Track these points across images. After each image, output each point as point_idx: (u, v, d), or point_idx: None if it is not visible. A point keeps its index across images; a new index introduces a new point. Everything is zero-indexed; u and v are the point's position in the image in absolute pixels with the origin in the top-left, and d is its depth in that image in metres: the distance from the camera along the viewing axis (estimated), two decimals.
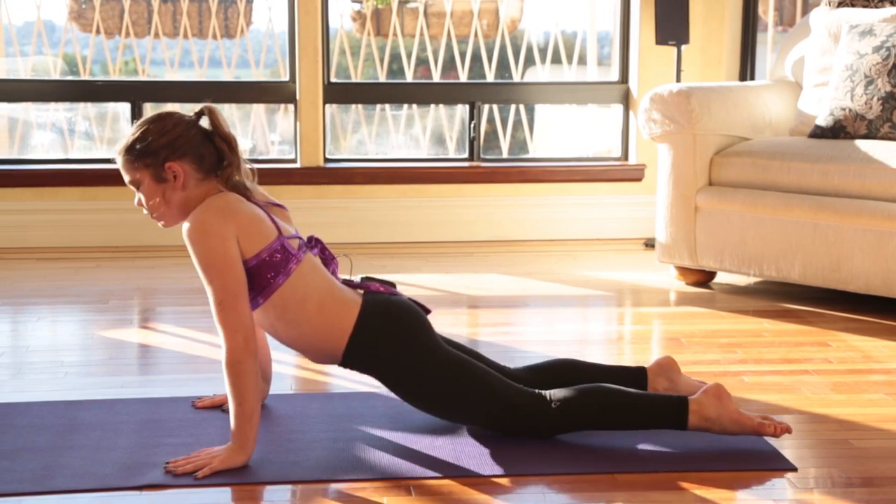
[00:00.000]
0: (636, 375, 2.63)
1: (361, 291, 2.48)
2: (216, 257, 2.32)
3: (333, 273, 2.51)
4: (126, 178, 2.43)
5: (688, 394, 2.59)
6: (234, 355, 2.28)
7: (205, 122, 2.44)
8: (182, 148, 2.38)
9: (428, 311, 2.54)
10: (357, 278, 2.53)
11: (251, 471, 2.28)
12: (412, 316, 2.45)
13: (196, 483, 2.21)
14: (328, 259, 2.53)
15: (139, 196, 2.43)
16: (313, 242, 2.51)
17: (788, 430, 2.43)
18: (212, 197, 2.38)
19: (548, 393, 2.44)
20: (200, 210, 2.35)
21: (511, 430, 2.44)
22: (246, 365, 2.28)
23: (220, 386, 2.77)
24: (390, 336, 2.41)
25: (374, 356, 2.42)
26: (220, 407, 2.63)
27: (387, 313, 2.42)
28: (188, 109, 2.50)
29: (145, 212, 2.46)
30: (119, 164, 2.42)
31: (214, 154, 2.41)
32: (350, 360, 2.44)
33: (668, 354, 2.71)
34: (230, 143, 2.42)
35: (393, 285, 2.54)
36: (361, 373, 2.48)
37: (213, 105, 2.45)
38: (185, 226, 2.37)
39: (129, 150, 2.39)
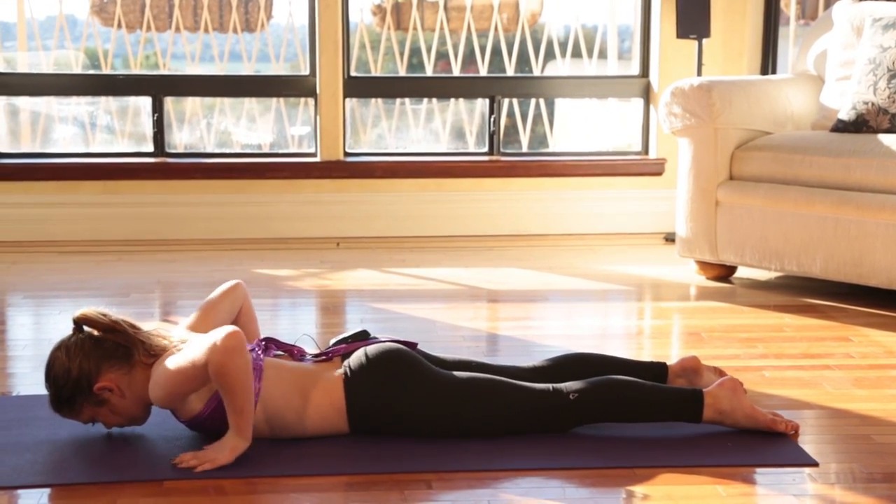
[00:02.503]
0: (656, 371, 2.62)
1: (340, 359, 2.44)
2: (174, 376, 2.29)
3: (301, 357, 2.47)
4: (80, 422, 2.41)
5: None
6: (214, 368, 2.23)
7: (87, 329, 2.39)
8: (92, 368, 2.34)
9: (413, 345, 2.51)
10: (331, 343, 2.49)
11: (269, 463, 2.28)
12: (395, 359, 2.40)
13: (215, 475, 2.22)
14: (289, 350, 2.48)
15: (100, 423, 2.42)
16: (264, 345, 2.46)
17: (796, 429, 2.45)
18: (153, 369, 2.34)
19: (563, 386, 2.44)
20: (151, 380, 2.32)
21: (530, 429, 2.44)
22: (227, 368, 2.22)
23: None
24: (382, 389, 2.38)
25: (378, 415, 2.40)
26: None
27: (369, 370, 2.38)
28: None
29: (115, 429, 2.44)
30: (66, 418, 2.41)
31: (118, 346, 2.36)
32: (357, 427, 2.41)
33: (694, 355, 2.69)
34: (118, 330, 2.37)
35: (365, 334, 2.49)
36: (376, 433, 2.43)
37: (83, 311, 2.39)
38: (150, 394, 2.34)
39: (60, 406, 2.38)
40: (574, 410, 2.42)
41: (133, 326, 2.41)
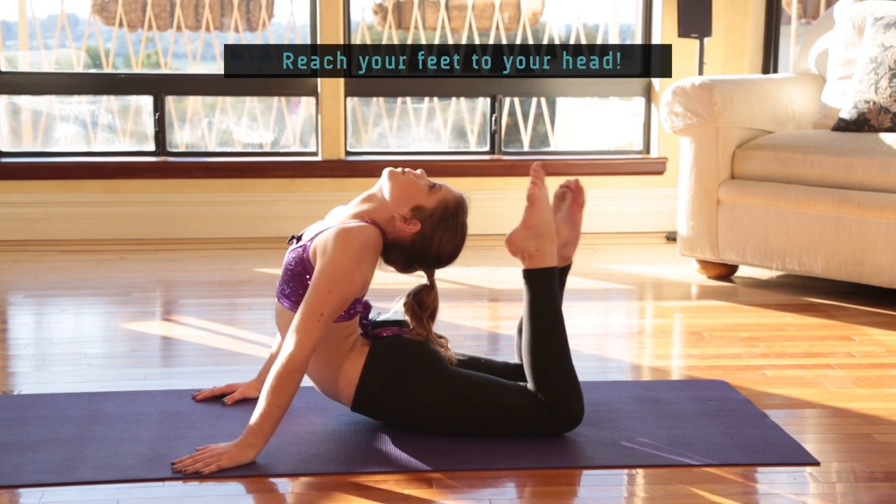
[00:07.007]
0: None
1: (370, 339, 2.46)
2: (349, 279, 2.33)
3: (364, 317, 2.50)
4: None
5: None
6: (295, 363, 2.28)
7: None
8: (432, 233, 2.51)
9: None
10: (372, 318, 2.51)
11: (272, 463, 2.28)
12: (415, 355, 2.43)
13: (217, 475, 2.22)
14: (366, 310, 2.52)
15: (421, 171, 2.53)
16: (366, 306, 2.50)
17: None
18: (378, 231, 2.40)
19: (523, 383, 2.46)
20: (370, 233, 2.38)
21: (546, 430, 2.43)
22: (298, 376, 2.29)
23: (240, 378, 2.77)
24: (396, 378, 2.40)
25: (383, 406, 2.42)
26: (221, 398, 2.65)
27: (390, 362, 2.41)
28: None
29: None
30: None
31: (416, 261, 2.51)
32: (360, 405, 2.44)
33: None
34: (425, 316, 2.50)
35: (405, 325, 2.52)
36: (376, 419, 2.48)
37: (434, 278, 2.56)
38: (349, 228, 2.36)
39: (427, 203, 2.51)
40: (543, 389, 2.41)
41: (424, 320, 2.50)
